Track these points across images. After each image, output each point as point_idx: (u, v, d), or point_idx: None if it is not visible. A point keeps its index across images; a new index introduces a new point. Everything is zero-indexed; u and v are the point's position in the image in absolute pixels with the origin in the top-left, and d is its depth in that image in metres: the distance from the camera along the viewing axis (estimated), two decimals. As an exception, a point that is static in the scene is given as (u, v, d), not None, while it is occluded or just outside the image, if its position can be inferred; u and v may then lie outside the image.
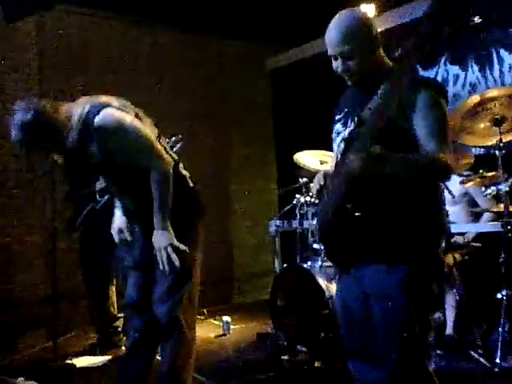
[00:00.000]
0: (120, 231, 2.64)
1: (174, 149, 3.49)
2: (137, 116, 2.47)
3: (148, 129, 2.48)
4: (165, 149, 2.54)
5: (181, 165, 2.62)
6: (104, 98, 2.42)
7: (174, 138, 3.56)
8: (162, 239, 2.40)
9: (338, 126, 2.09)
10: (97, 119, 2.32)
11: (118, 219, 2.66)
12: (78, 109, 2.38)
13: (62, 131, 2.35)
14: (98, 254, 4.10)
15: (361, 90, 2.02)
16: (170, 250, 2.38)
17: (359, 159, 1.77)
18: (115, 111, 2.37)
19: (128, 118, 2.40)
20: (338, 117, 2.12)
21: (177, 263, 2.39)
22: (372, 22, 2.02)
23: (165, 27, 5.88)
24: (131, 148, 2.40)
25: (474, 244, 3.74)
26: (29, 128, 2.29)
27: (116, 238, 2.67)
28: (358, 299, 1.98)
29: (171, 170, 2.44)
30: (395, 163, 1.81)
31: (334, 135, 2.12)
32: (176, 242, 2.41)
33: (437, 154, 1.85)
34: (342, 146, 1.98)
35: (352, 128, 1.94)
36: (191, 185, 2.61)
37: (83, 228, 4.21)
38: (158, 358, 2.67)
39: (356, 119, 1.91)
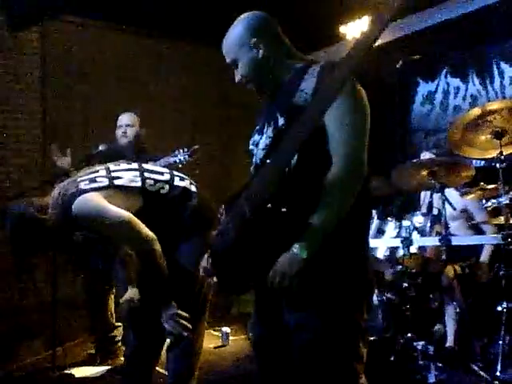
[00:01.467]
0: None
1: (192, 158, 3.59)
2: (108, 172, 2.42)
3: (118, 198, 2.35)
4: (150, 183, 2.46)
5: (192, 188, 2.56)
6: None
7: (190, 149, 3.64)
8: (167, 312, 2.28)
9: (255, 137, 1.94)
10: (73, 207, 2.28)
11: None
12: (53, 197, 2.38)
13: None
14: (97, 262, 4.09)
15: (271, 97, 1.87)
16: (176, 318, 2.27)
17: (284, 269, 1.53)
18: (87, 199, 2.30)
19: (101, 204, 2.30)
20: (254, 131, 1.98)
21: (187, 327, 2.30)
22: (261, 24, 1.90)
23: (167, 37, 5.91)
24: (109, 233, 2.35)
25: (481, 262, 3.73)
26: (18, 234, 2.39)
27: None
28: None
29: (154, 245, 2.29)
30: (320, 234, 1.55)
31: (251, 148, 1.97)
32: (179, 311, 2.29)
33: (340, 167, 1.58)
34: (261, 154, 1.84)
35: (271, 133, 1.79)
36: (193, 202, 2.50)
37: (83, 237, 4.20)
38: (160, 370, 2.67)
39: (276, 121, 1.75)
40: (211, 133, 6.35)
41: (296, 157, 1.59)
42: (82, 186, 2.31)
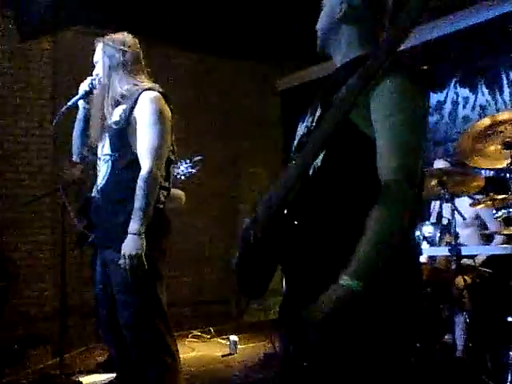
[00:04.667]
0: None
1: (195, 169, 3.48)
2: None
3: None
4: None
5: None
6: None
7: (195, 158, 3.52)
8: (132, 245, 2.25)
9: (298, 127, 1.82)
10: (147, 91, 2.42)
11: None
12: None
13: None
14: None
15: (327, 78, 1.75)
16: (135, 261, 2.24)
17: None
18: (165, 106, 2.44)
19: (168, 115, 2.45)
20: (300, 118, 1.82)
21: (138, 275, 2.25)
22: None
23: (177, 48, 5.97)
24: (146, 129, 2.37)
25: (484, 270, 3.72)
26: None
27: None
28: None
29: (160, 179, 2.37)
30: (373, 261, 1.34)
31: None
32: (143, 257, 2.25)
33: (389, 183, 1.36)
34: (294, 146, 1.70)
35: (309, 123, 1.65)
36: (160, 206, 2.45)
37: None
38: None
39: (315, 111, 1.61)
40: (218, 142, 6.37)
41: (321, 156, 1.44)
42: None
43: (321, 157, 1.44)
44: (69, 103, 2.65)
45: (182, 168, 3.66)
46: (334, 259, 1.39)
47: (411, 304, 1.48)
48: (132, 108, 2.41)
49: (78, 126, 2.66)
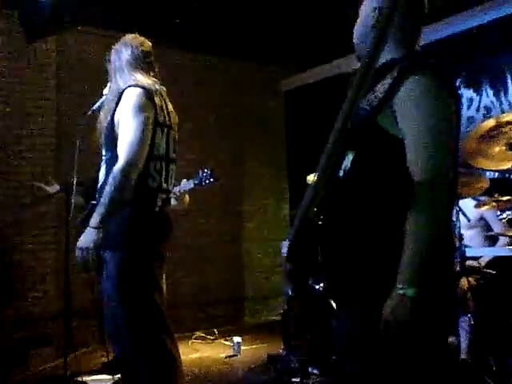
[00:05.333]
0: None
1: (215, 182, 3.39)
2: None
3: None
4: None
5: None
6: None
7: (213, 174, 3.36)
8: (86, 238, 2.22)
9: None
10: (130, 87, 2.41)
11: None
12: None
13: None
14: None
15: None
16: (86, 254, 2.20)
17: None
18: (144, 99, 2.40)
19: (150, 111, 2.39)
20: None
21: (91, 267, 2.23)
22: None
23: (180, 48, 5.97)
24: (124, 124, 2.34)
25: (488, 271, 3.71)
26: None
27: None
28: None
29: (134, 177, 2.29)
30: (420, 265, 1.38)
31: None
32: (93, 252, 2.21)
33: (420, 189, 1.39)
34: None
35: None
36: (156, 209, 2.42)
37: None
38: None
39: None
40: (222, 143, 6.38)
41: (351, 159, 1.48)
42: None
43: (350, 159, 1.47)
44: (93, 107, 2.69)
45: (203, 177, 3.47)
46: (367, 257, 1.44)
47: (448, 302, 1.53)
48: (116, 106, 2.40)
49: None
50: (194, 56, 6.17)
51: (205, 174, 3.43)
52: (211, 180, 3.44)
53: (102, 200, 2.24)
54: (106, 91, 2.64)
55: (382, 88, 1.49)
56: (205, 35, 5.64)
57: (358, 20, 1.74)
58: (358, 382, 1.52)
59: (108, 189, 2.24)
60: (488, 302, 3.61)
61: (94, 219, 2.23)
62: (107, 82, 2.63)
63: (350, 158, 1.48)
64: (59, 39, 5.33)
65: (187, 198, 3.31)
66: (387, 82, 1.49)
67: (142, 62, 2.55)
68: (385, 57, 1.58)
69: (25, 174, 5.07)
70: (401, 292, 1.37)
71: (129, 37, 2.62)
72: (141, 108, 2.35)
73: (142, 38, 2.61)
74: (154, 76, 2.57)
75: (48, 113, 5.24)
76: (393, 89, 1.45)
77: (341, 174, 1.49)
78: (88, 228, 2.23)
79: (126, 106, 2.36)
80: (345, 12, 5.06)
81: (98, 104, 2.68)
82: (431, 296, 1.41)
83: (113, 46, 2.60)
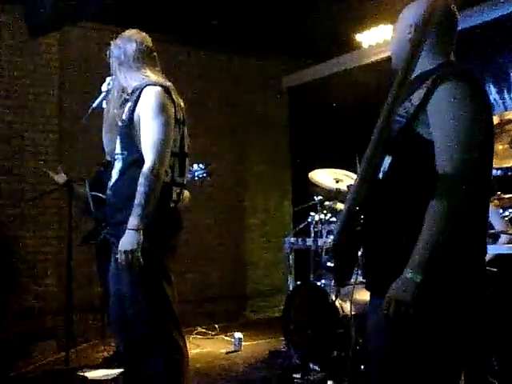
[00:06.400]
0: None
1: (208, 177, 3.40)
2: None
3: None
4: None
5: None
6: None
7: (210, 166, 3.43)
8: (128, 240, 2.24)
9: None
10: (149, 86, 2.40)
11: None
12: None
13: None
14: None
15: None
16: (131, 257, 2.23)
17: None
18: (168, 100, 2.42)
19: (171, 109, 2.41)
20: None
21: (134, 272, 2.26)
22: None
23: (183, 44, 5.97)
24: (148, 124, 2.35)
25: (490, 269, 3.71)
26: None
27: None
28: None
29: (163, 176, 2.34)
30: (430, 255, 1.46)
31: None
32: (138, 253, 2.24)
33: (447, 191, 1.47)
34: None
35: None
36: (172, 204, 2.46)
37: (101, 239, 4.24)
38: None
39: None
40: (224, 140, 6.38)
41: (389, 162, 1.58)
42: None
43: (388, 162, 1.59)
44: (93, 105, 2.67)
45: (196, 172, 3.58)
46: (403, 252, 1.51)
47: (465, 300, 1.56)
48: (135, 105, 2.40)
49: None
50: (196, 52, 6.16)
51: (198, 169, 3.44)
52: (204, 175, 3.45)
53: (136, 201, 2.26)
54: (104, 87, 2.62)
55: (417, 96, 1.58)
56: (208, 32, 5.64)
57: (393, 36, 1.83)
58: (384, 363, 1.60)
59: (142, 189, 2.27)
60: (489, 299, 3.61)
61: (133, 221, 2.25)
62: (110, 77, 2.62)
63: (388, 161, 1.59)
64: (62, 35, 5.33)
65: (187, 193, 3.31)
66: (422, 90, 1.58)
67: (148, 58, 2.55)
68: (420, 68, 1.67)
69: (27, 169, 5.08)
70: (408, 276, 1.46)
71: (131, 32, 2.60)
72: (163, 107, 2.38)
73: (144, 33, 2.59)
74: (159, 71, 2.58)
75: (51, 108, 5.25)
76: (427, 96, 1.54)
77: (380, 175, 1.60)
78: (128, 231, 2.25)
79: (147, 105, 2.37)
80: (349, 9, 5.08)
81: (97, 102, 2.66)
82: (438, 286, 1.49)
83: (114, 41, 2.58)
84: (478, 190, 1.54)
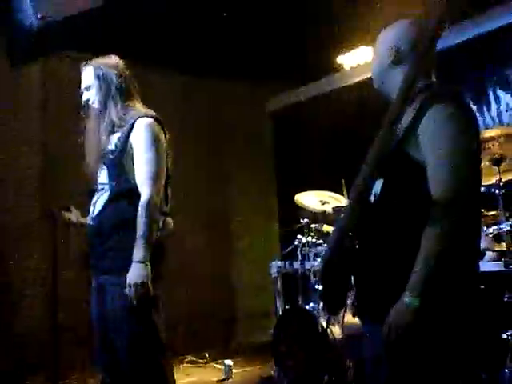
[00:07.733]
0: None
1: None
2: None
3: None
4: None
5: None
6: None
7: None
8: (137, 273, 2.23)
9: None
10: (142, 118, 2.42)
11: None
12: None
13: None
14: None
15: None
16: (141, 289, 2.22)
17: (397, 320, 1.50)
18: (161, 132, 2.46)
19: (164, 141, 2.46)
20: None
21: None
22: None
23: (164, 69, 5.98)
24: (143, 155, 2.37)
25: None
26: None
27: None
28: None
29: (160, 205, 2.38)
30: (427, 279, 1.48)
31: None
32: (149, 285, 2.24)
33: (441, 212, 1.48)
34: None
35: None
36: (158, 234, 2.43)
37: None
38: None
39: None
40: (207, 163, 6.36)
41: (381, 184, 1.59)
42: None
43: (381, 184, 1.60)
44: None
45: None
46: (397, 276, 1.53)
47: (469, 313, 1.61)
48: (128, 135, 2.41)
49: None
50: (178, 77, 6.18)
51: None
52: None
53: (140, 232, 2.26)
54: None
55: (406, 117, 1.59)
56: (189, 55, 5.66)
57: (373, 59, 1.84)
58: None
59: (144, 220, 2.28)
60: (477, 316, 3.61)
61: (140, 253, 2.24)
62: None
63: (379, 184, 1.60)
64: (44, 65, 5.31)
65: (169, 219, 3.30)
66: (411, 111, 1.59)
67: (134, 87, 2.57)
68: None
69: (8, 198, 4.99)
70: (406, 300, 1.48)
71: (111, 60, 2.59)
72: (157, 139, 2.42)
73: (120, 61, 2.59)
74: (141, 101, 2.59)
75: (34, 140, 5.17)
76: (417, 118, 1.56)
77: (372, 199, 1.62)
78: (135, 263, 2.24)
79: (142, 137, 2.39)
80: (330, 31, 5.13)
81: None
82: (435, 308, 1.50)
83: (91, 69, 2.56)
84: (472, 212, 1.57)
